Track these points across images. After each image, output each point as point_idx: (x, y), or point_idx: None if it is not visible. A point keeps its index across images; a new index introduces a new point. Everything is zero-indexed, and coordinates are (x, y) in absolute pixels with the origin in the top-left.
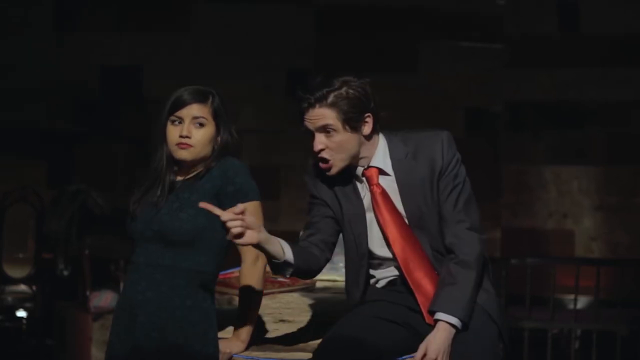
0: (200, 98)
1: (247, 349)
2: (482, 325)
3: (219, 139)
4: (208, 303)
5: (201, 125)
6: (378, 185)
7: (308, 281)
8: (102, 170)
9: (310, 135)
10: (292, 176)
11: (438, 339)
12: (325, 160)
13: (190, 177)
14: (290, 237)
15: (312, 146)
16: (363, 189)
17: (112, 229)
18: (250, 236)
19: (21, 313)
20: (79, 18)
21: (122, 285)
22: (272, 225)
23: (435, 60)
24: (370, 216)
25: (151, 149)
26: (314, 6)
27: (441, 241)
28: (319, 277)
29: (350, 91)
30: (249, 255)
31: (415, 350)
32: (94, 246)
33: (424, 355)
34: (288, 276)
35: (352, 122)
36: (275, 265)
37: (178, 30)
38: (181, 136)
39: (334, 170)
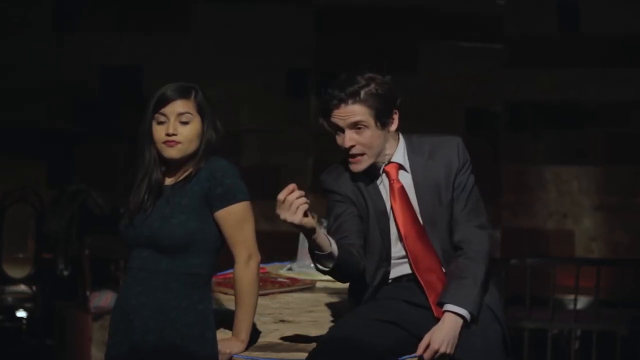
0: (184, 93)
1: (246, 349)
2: (488, 324)
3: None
4: (205, 304)
5: (186, 121)
6: (397, 180)
7: (308, 281)
8: (102, 170)
9: (337, 133)
10: (292, 176)
11: (443, 330)
12: (356, 156)
13: (180, 180)
14: (290, 238)
15: (340, 143)
16: (382, 185)
17: (112, 229)
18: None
19: (21, 313)
20: (79, 18)
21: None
22: (272, 225)
23: (435, 60)
24: (389, 213)
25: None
26: (314, 6)
27: (450, 241)
28: (319, 277)
29: (379, 88)
30: (241, 255)
31: (413, 351)
32: (94, 246)
33: (428, 345)
34: (328, 269)
35: (382, 119)
36: (319, 256)
37: (178, 30)
38: (167, 134)
39: (362, 166)
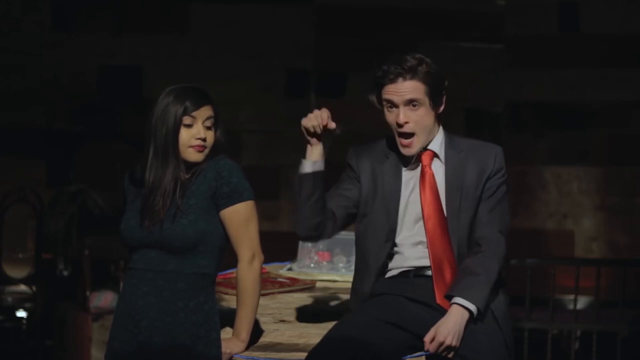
0: (210, 98)
1: (247, 349)
2: (491, 330)
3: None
4: (210, 305)
5: (211, 125)
6: (430, 167)
7: (308, 281)
8: (102, 170)
9: (389, 109)
10: (292, 176)
11: (449, 322)
12: (409, 136)
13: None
14: (291, 238)
15: (391, 120)
16: (408, 168)
17: (112, 229)
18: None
19: (21, 313)
20: (79, 18)
21: (121, 286)
22: (272, 225)
23: (435, 60)
24: (406, 195)
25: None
26: (314, 6)
27: (468, 240)
28: (319, 277)
29: (431, 67)
30: (245, 254)
31: (414, 351)
32: (93, 246)
33: (434, 337)
34: (303, 193)
35: (435, 99)
36: (304, 175)
37: (177, 30)
38: (200, 138)
39: (414, 150)
